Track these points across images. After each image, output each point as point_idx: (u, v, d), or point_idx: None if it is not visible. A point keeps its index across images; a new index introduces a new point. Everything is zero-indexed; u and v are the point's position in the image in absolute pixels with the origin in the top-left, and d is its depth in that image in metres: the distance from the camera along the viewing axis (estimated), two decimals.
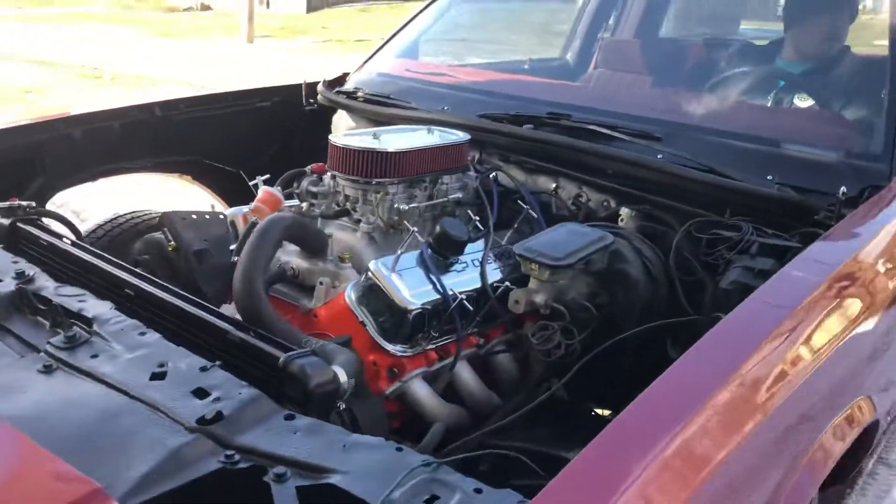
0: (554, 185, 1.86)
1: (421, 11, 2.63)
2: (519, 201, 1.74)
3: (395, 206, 1.57)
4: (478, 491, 0.86)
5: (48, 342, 1.08)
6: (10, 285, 1.20)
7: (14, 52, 9.20)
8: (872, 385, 1.39)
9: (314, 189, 1.66)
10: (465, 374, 1.50)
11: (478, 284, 1.50)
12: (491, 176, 1.78)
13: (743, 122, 1.85)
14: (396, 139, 1.66)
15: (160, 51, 10.30)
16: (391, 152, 1.58)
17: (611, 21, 2.97)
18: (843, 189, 1.54)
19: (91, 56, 9.27)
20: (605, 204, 1.78)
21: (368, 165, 1.57)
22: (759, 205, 1.58)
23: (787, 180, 1.62)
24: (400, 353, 1.41)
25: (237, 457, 0.91)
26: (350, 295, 1.42)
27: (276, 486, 0.86)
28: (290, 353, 1.09)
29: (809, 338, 1.14)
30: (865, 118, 1.81)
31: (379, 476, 0.87)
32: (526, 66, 2.72)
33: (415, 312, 1.39)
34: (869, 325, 1.32)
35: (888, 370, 1.50)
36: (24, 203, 1.48)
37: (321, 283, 1.49)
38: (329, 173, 1.65)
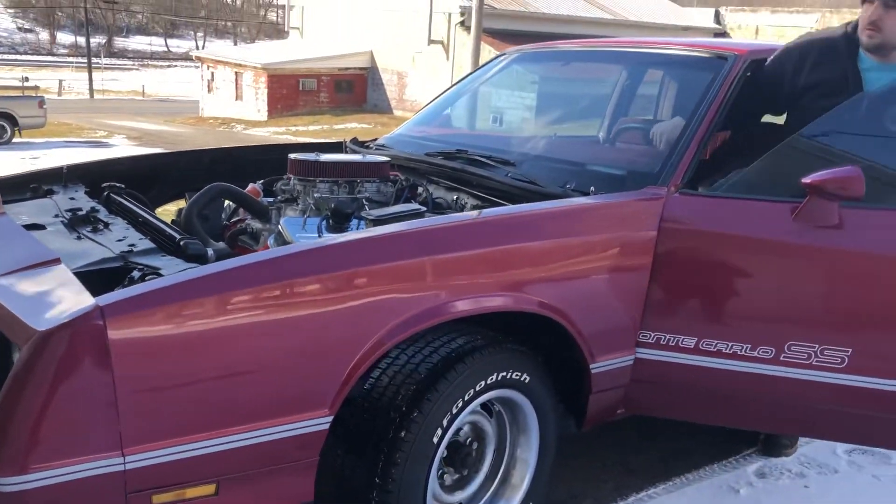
0: (456, 197, 2.72)
1: (453, 86, 3.63)
2: (416, 202, 2.64)
3: (318, 195, 2.55)
4: None
5: (85, 230, 2.19)
6: (85, 210, 2.34)
7: None
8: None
9: (284, 187, 2.68)
10: None
11: None
12: (410, 188, 2.70)
13: (575, 154, 2.64)
14: (331, 157, 2.65)
15: None
16: (320, 161, 2.57)
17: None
18: (591, 188, 2.31)
19: None
20: (476, 206, 2.62)
21: (305, 170, 2.58)
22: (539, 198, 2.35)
23: (579, 187, 2.39)
24: None
25: (131, 264, 1.91)
26: (270, 240, 2.41)
27: (136, 273, 1.85)
28: (185, 237, 2.08)
29: None
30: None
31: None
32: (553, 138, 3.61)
33: None
34: None
35: None
36: (118, 185, 2.64)
37: (263, 236, 2.50)
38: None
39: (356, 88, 27.90)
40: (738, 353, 2.26)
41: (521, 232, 2.10)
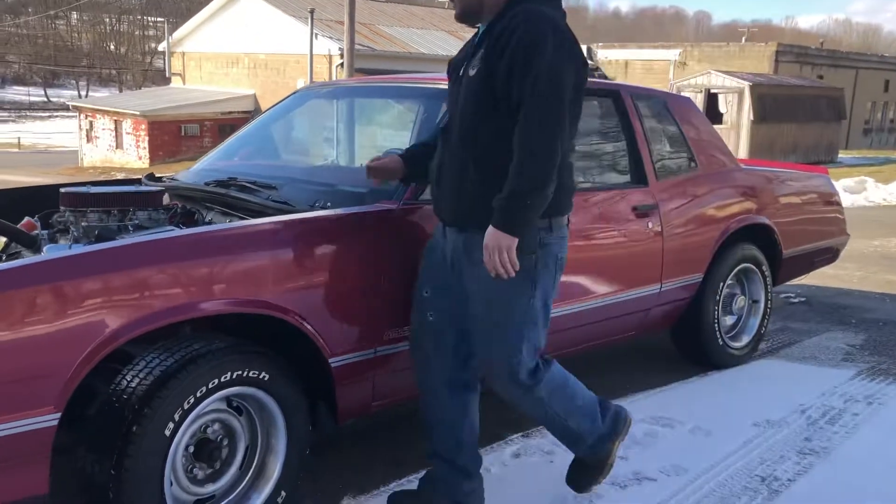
0: (229, 220, 2.96)
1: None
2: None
3: (87, 224, 2.73)
4: None
5: None
6: None
7: None
8: None
9: (59, 219, 2.86)
10: None
11: None
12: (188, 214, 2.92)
13: (331, 178, 2.95)
14: (101, 189, 2.84)
15: None
16: (89, 193, 2.76)
17: None
18: (328, 204, 2.61)
19: None
20: None
21: (76, 201, 2.76)
22: None
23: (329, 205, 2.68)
24: None
25: None
26: None
27: None
28: None
29: None
30: None
31: None
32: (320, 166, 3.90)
33: None
34: None
35: None
36: None
37: None
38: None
39: None
40: None
41: (263, 242, 2.37)
